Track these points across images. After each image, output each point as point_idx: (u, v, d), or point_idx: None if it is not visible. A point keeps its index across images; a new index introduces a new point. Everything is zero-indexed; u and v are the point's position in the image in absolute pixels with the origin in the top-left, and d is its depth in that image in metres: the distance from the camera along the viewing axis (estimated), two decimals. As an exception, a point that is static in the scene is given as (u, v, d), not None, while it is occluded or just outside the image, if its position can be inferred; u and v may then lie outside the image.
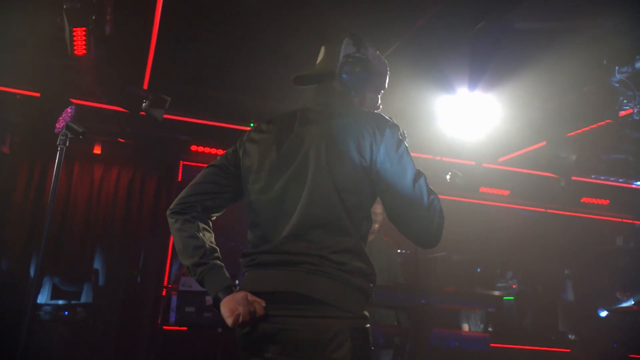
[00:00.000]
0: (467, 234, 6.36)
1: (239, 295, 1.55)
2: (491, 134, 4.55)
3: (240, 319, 1.50)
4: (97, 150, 5.88)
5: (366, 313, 1.57)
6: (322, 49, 1.89)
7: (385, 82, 1.89)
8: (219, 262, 1.64)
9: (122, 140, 5.81)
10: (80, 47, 3.24)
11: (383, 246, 4.24)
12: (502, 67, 3.68)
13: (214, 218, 1.77)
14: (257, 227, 1.67)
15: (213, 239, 1.69)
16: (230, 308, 1.52)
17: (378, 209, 4.20)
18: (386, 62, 1.91)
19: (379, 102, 1.89)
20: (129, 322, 5.49)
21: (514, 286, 6.76)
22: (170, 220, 1.69)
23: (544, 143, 4.96)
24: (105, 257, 5.68)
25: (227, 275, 1.63)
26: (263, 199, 1.65)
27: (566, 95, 4.13)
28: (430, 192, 1.61)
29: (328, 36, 1.92)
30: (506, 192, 6.93)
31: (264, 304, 1.53)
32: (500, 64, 3.64)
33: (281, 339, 1.52)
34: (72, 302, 5.09)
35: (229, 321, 1.51)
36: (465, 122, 4.24)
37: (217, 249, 1.67)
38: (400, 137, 1.66)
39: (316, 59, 1.91)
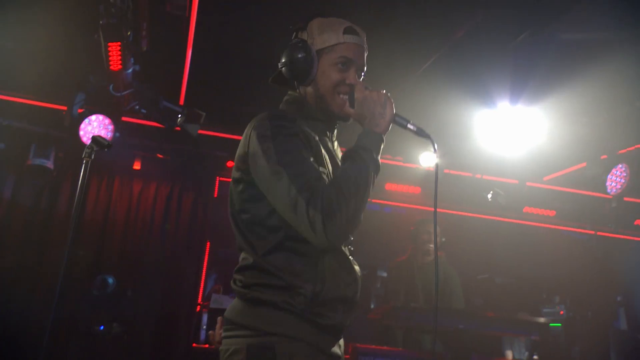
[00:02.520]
0: (511, 256, 6.10)
1: None
2: (535, 150, 4.34)
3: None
4: (137, 165, 5.97)
5: (281, 328, 1.44)
6: None
7: (337, 58, 1.62)
8: None
9: (161, 156, 5.88)
10: (115, 62, 3.28)
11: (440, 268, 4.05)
12: (547, 80, 3.49)
13: None
14: None
15: None
16: None
17: (430, 227, 4.04)
18: (344, 28, 1.64)
19: (334, 87, 1.63)
20: (163, 339, 5.47)
21: (561, 312, 6.42)
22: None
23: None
24: (141, 273, 5.70)
25: None
26: None
27: (617, 109, 3.89)
28: (294, 188, 1.39)
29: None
30: (552, 213, 6.61)
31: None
32: (545, 76, 3.45)
33: None
34: (108, 317, 5.13)
35: None
36: (507, 138, 4.04)
37: None
38: (265, 132, 1.49)
39: None
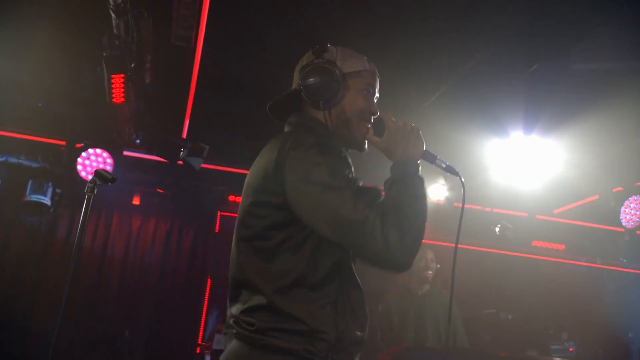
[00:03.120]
0: (519, 291, 5.93)
1: None
2: (547, 183, 4.23)
3: None
4: (136, 201, 5.85)
5: None
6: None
7: (364, 84, 1.58)
8: None
9: (161, 191, 5.76)
10: (118, 95, 3.19)
11: (439, 299, 3.86)
12: (561, 110, 3.42)
13: None
14: None
15: None
16: None
17: (429, 254, 3.90)
18: (365, 58, 1.62)
19: (360, 113, 1.57)
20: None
21: (570, 349, 6.22)
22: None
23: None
24: (139, 312, 5.50)
25: None
26: None
27: (632, 140, 3.80)
28: (361, 204, 1.29)
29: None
30: (561, 247, 6.47)
31: None
32: (559, 107, 3.38)
33: None
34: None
35: None
36: (519, 170, 3.94)
37: None
38: (308, 149, 1.37)
39: None
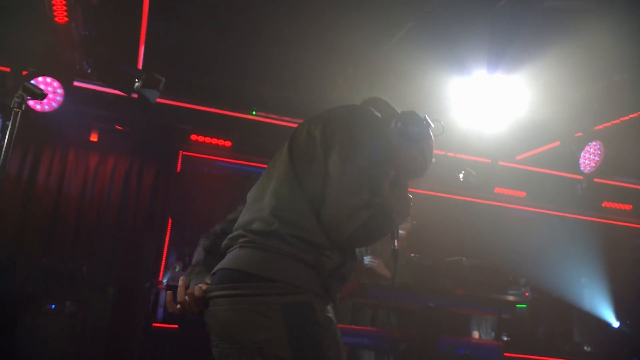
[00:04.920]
0: (480, 237, 6.03)
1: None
2: (510, 126, 4.20)
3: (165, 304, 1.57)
4: (94, 137, 5.64)
5: (312, 286, 1.41)
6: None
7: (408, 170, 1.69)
8: None
9: (120, 128, 5.56)
10: (61, 13, 2.95)
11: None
12: (526, 48, 3.34)
13: None
14: None
15: None
16: None
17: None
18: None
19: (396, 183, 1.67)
20: (121, 318, 5.22)
21: (527, 294, 6.44)
22: None
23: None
24: (98, 250, 5.41)
25: None
26: None
27: (596, 84, 3.76)
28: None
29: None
30: (522, 194, 6.57)
31: (203, 287, 1.45)
32: (524, 46, 3.29)
33: (213, 323, 1.41)
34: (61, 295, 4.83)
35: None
36: (483, 111, 3.88)
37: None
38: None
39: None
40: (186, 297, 1.44)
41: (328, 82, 4.43)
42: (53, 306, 4.71)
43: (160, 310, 4.56)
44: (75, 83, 4.35)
